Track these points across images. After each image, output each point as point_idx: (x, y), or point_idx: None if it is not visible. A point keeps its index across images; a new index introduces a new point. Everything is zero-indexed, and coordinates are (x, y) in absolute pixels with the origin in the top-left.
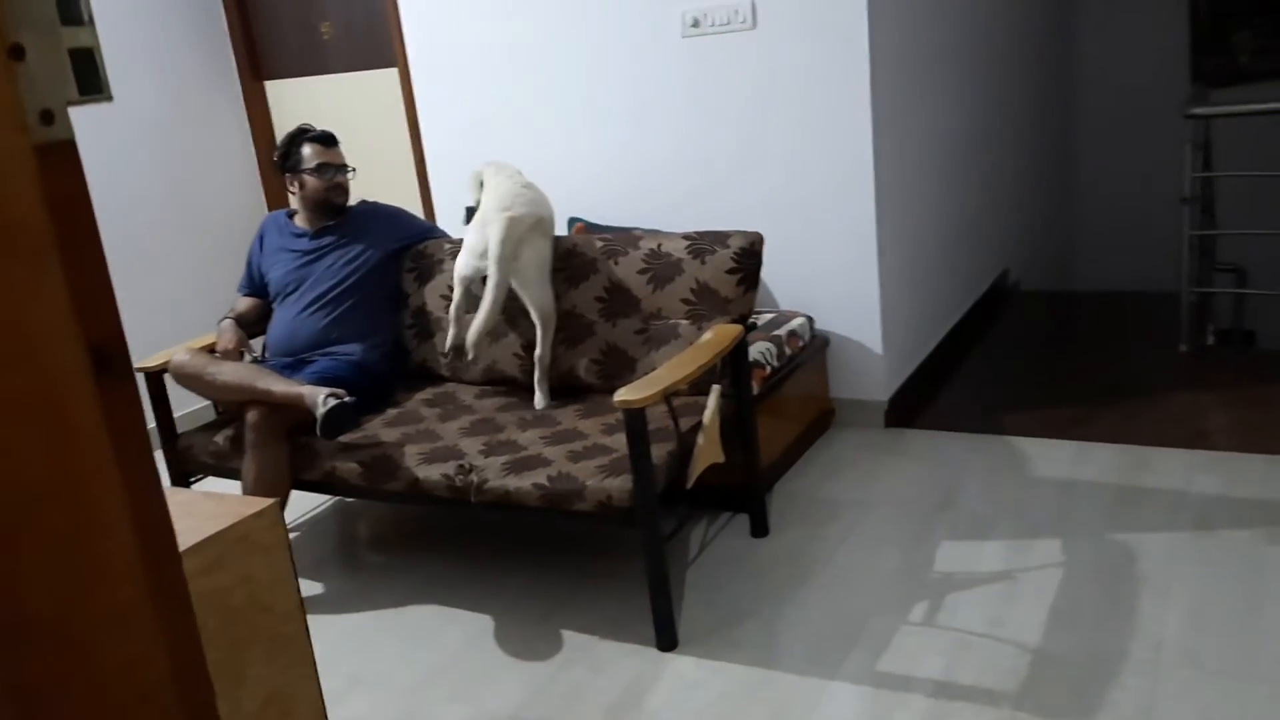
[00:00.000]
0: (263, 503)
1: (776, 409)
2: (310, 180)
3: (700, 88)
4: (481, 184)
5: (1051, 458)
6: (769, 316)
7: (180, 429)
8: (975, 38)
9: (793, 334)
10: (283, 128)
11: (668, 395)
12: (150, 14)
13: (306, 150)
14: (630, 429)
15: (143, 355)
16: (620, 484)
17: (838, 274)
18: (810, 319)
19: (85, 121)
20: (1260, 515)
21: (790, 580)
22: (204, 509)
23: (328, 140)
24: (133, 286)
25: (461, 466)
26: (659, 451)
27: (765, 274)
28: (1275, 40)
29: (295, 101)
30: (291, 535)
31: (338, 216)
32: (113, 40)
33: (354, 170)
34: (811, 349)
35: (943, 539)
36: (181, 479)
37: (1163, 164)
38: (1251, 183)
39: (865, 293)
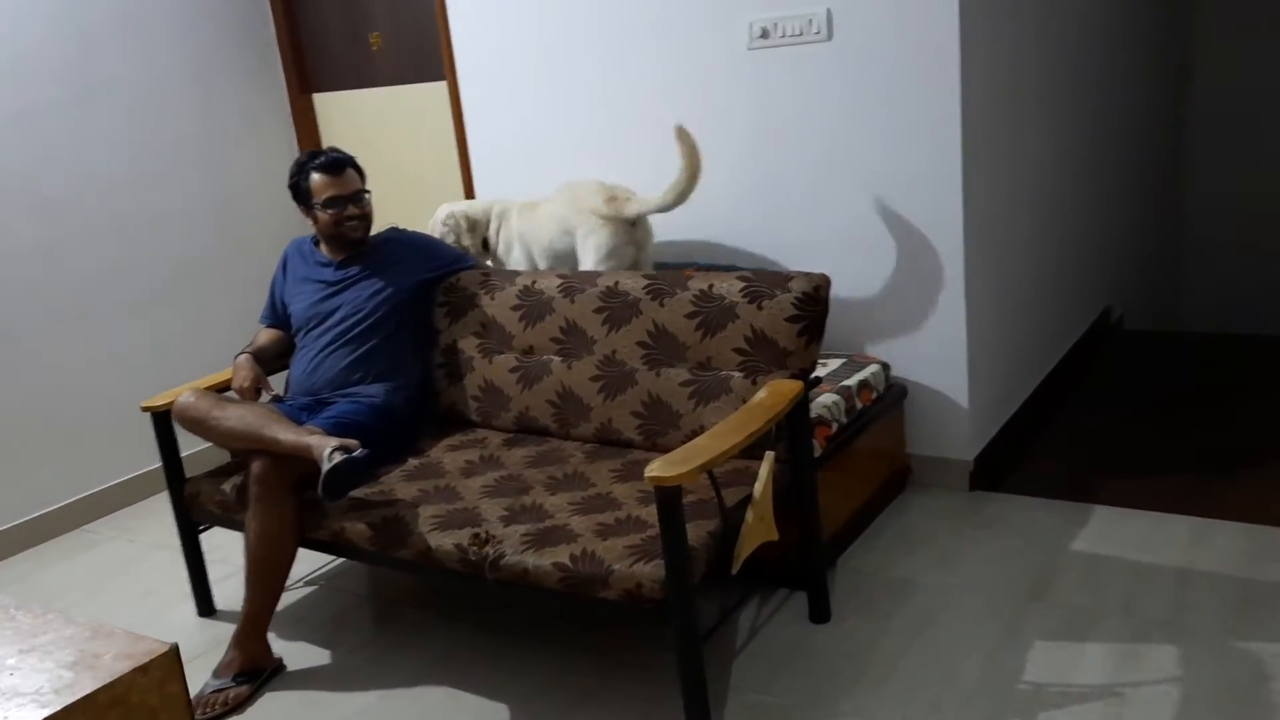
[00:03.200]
0: (152, 650)
1: (843, 470)
2: (321, 215)
3: (768, 106)
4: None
5: (1164, 537)
6: (838, 362)
7: (194, 470)
8: (1078, 54)
9: (864, 385)
10: (330, 142)
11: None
12: (196, 25)
13: (314, 180)
14: (663, 510)
15: (184, 382)
16: (652, 571)
17: (919, 315)
18: (886, 366)
19: (127, 131)
20: None
21: (850, 683)
22: (65, 655)
23: (335, 167)
24: (175, 308)
25: (477, 536)
26: (699, 531)
27: (837, 315)
28: None
29: (343, 115)
30: (302, 594)
31: (360, 246)
32: (157, 52)
33: (369, 192)
34: (886, 401)
35: (1035, 638)
36: (189, 528)
37: None
38: None
39: (950, 337)
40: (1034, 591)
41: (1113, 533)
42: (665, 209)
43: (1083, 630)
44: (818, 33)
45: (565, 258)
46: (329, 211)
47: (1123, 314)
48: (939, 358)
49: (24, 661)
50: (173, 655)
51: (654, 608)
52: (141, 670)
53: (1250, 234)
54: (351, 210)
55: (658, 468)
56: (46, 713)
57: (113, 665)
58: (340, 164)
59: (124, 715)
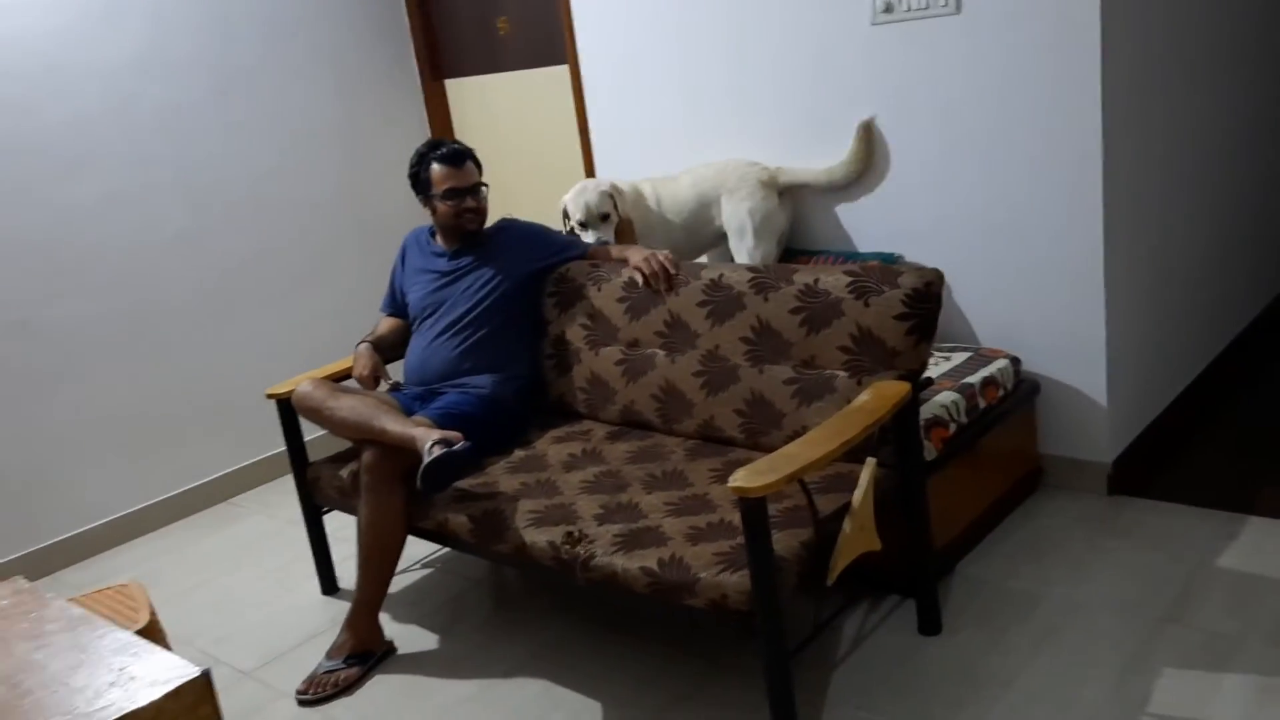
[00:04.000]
0: (186, 674)
1: (963, 472)
2: (439, 205)
3: (891, 83)
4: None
5: None
6: (963, 357)
7: (322, 453)
8: (1239, 21)
9: (989, 382)
10: (461, 127)
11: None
12: (330, 16)
13: (435, 171)
14: (749, 523)
15: (324, 364)
16: (738, 582)
17: (1053, 306)
18: (1016, 360)
19: (267, 123)
20: None
21: (960, 703)
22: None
23: (456, 159)
24: (310, 293)
25: (570, 534)
26: (791, 541)
27: (964, 305)
28: None
29: (473, 100)
30: (419, 576)
31: (474, 238)
32: (293, 44)
33: (486, 186)
34: (1015, 398)
35: (1166, 664)
36: (313, 511)
37: None
38: None
39: (1087, 330)
40: (1171, 611)
41: (1267, 549)
42: (817, 185)
43: (1222, 658)
44: (945, 5)
45: (696, 232)
46: (447, 203)
47: None
48: (1075, 352)
49: (72, 678)
50: (203, 680)
51: (740, 619)
52: (172, 695)
53: None
54: (469, 203)
55: (742, 478)
56: None
57: (145, 690)
58: (460, 156)
59: None
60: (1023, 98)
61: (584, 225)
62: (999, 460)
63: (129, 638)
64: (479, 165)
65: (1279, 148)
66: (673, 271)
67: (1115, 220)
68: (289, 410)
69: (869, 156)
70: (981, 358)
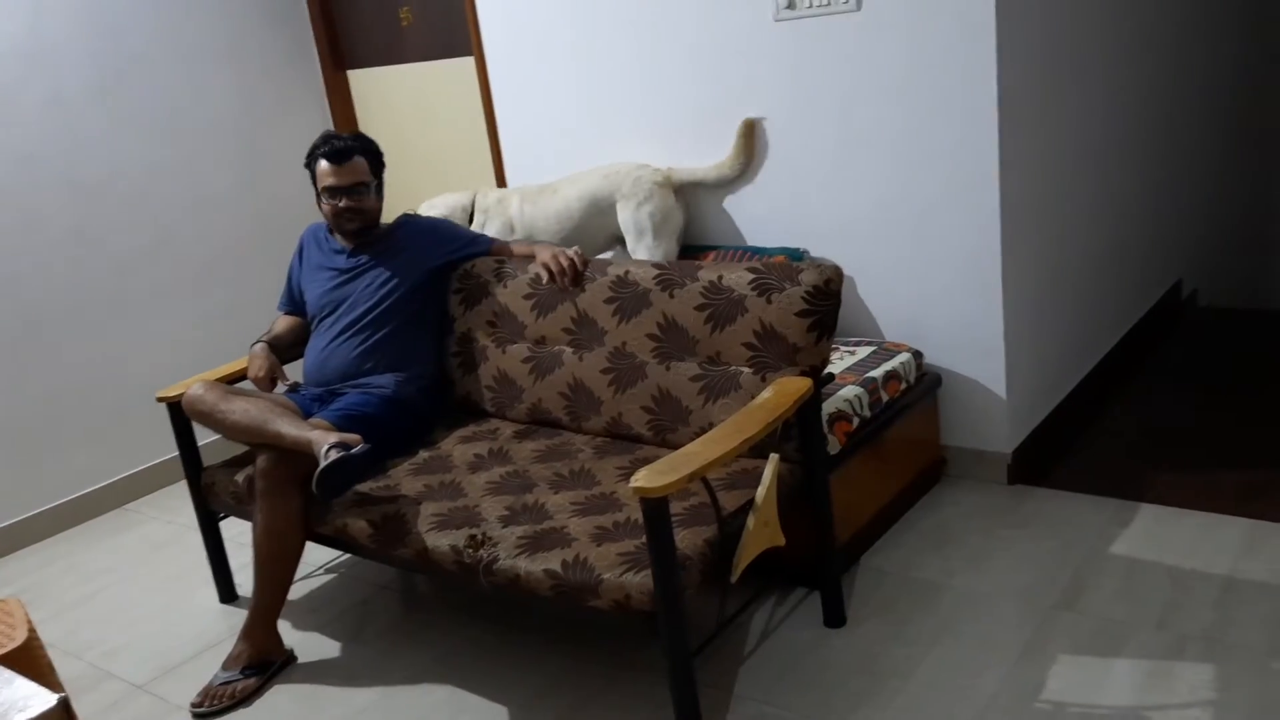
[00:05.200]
0: (43, 703)
1: (866, 465)
2: (322, 202)
3: (795, 79)
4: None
5: (1215, 542)
6: (867, 351)
7: (218, 457)
8: (1141, 12)
9: (891, 375)
10: (365, 119)
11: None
12: (226, 3)
13: (320, 167)
14: (650, 523)
15: (223, 364)
16: (641, 582)
17: (953, 300)
18: (918, 354)
19: (159, 114)
20: None
21: (862, 696)
22: None
23: (338, 156)
24: (206, 292)
25: (474, 538)
26: (695, 539)
27: (867, 299)
28: None
29: (376, 92)
30: (321, 581)
31: (361, 237)
32: (185, 32)
33: (372, 184)
34: (918, 391)
35: (1061, 651)
36: (208, 518)
37: None
38: None
39: (986, 324)
40: (1065, 599)
41: (1158, 535)
42: (708, 182)
43: (1113, 644)
44: (846, 3)
45: (585, 240)
46: (327, 201)
47: (1196, 289)
48: (974, 345)
49: None
50: (60, 709)
51: (643, 619)
52: None
53: None
54: (344, 202)
55: (643, 478)
56: None
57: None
58: (344, 153)
59: None
60: (922, 96)
61: None
62: (902, 452)
63: None
64: (376, 162)
65: (1173, 145)
66: (580, 269)
67: (1012, 216)
68: (181, 414)
69: (750, 153)
70: (884, 352)
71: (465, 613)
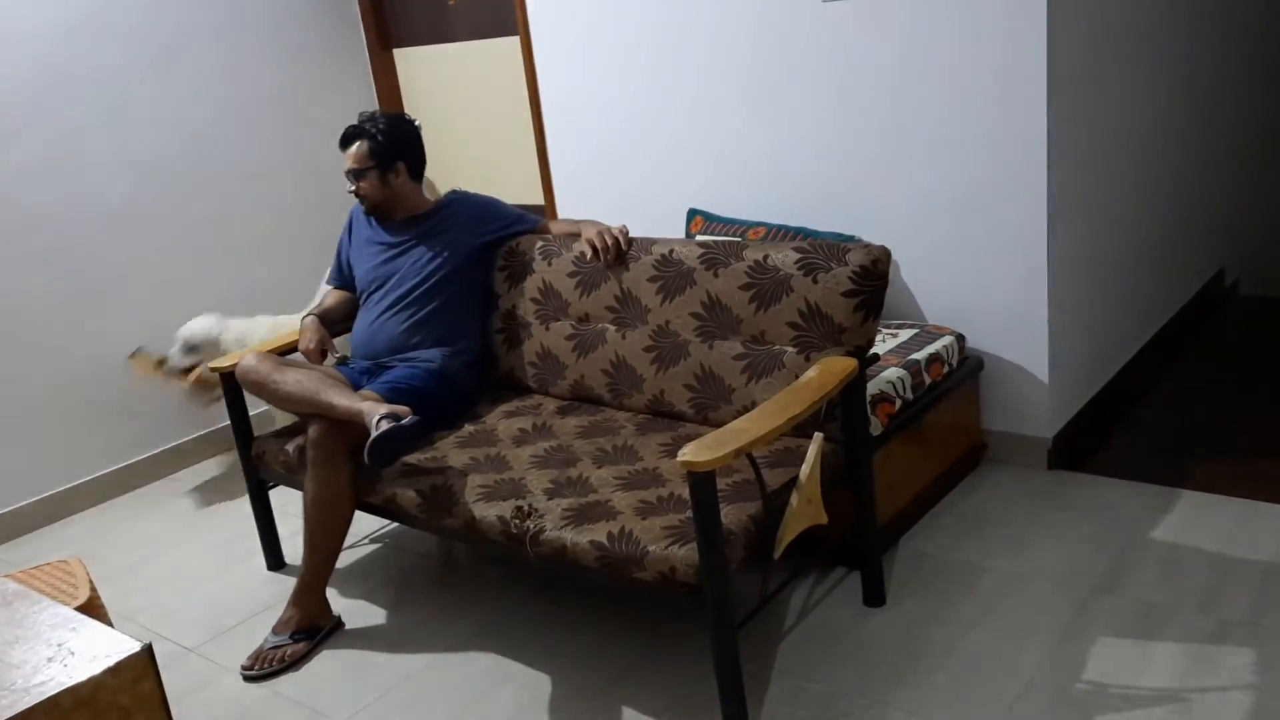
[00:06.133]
0: (127, 648)
1: (907, 448)
2: None
3: (842, 63)
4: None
5: (1255, 529)
6: (909, 334)
7: (269, 428)
8: (1191, 5)
9: (934, 359)
10: (411, 99)
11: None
12: None
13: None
14: (697, 497)
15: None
16: (686, 555)
17: (997, 284)
18: (961, 337)
19: (207, 89)
20: None
21: (901, 673)
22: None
23: (343, 141)
24: (255, 265)
25: (520, 509)
26: (739, 515)
27: (911, 282)
28: None
29: (421, 71)
30: (367, 551)
31: (386, 217)
32: (237, 5)
33: (369, 170)
34: (960, 374)
35: (1101, 634)
36: (258, 486)
37: None
38: None
39: (1030, 309)
40: (1106, 583)
41: (1199, 522)
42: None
43: (1153, 627)
44: None
45: None
46: (349, 182)
47: (1238, 279)
48: (1018, 329)
49: (10, 653)
50: (145, 655)
51: (687, 592)
52: (111, 671)
53: None
54: (353, 186)
55: (690, 452)
56: (12, 712)
57: (85, 665)
58: (347, 138)
59: (92, 716)
60: (971, 79)
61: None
62: (943, 436)
63: (68, 613)
64: (385, 147)
65: (1217, 134)
66: (625, 247)
67: (1060, 200)
68: (233, 384)
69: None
70: (927, 335)
71: (505, 585)
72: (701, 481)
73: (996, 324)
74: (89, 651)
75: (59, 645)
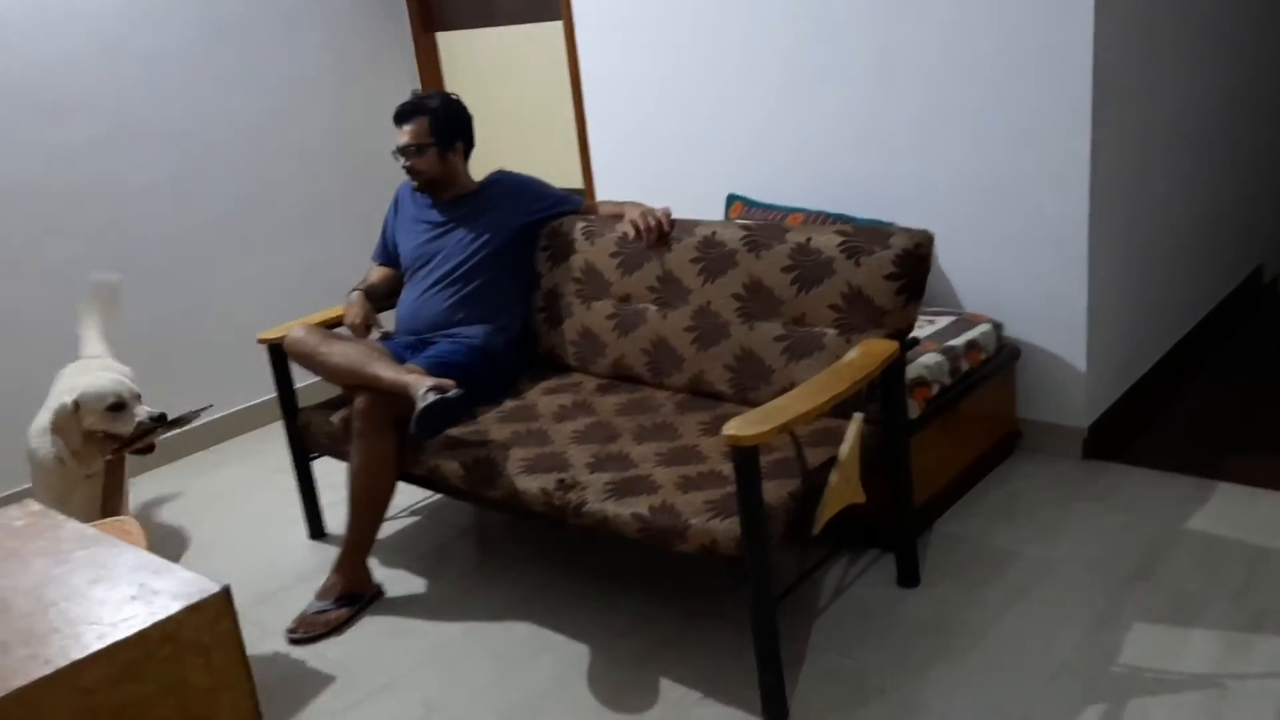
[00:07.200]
0: (207, 589)
1: (943, 433)
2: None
3: (882, 47)
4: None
5: None
6: (947, 320)
7: (311, 400)
8: None
9: (972, 345)
10: (452, 80)
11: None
12: None
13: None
14: (740, 471)
15: (308, 314)
16: (728, 528)
17: (1036, 273)
18: (998, 325)
19: (254, 71)
20: None
21: (935, 653)
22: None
23: (399, 117)
24: (296, 243)
25: (562, 481)
26: (779, 491)
27: (949, 269)
28: None
29: (464, 54)
30: (406, 523)
31: (439, 194)
32: None
33: (428, 146)
34: (996, 361)
35: (1136, 620)
36: (302, 456)
37: None
38: None
39: (1069, 297)
40: (1141, 570)
41: (1234, 513)
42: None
43: (1189, 615)
44: None
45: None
46: (401, 158)
47: (1277, 275)
48: (1056, 318)
49: (92, 591)
50: (223, 595)
51: (729, 564)
52: (194, 609)
53: None
54: (405, 162)
55: (735, 426)
56: (102, 644)
57: (167, 604)
58: (402, 115)
59: (175, 651)
60: (1014, 66)
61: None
62: (978, 422)
63: (147, 556)
64: (443, 124)
65: (1260, 130)
66: (668, 229)
67: (1100, 189)
68: (280, 355)
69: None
70: (965, 322)
71: (543, 557)
72: (745, 456)
73: (1034, 313)
74: (170, 590)
75: (141, 585)
